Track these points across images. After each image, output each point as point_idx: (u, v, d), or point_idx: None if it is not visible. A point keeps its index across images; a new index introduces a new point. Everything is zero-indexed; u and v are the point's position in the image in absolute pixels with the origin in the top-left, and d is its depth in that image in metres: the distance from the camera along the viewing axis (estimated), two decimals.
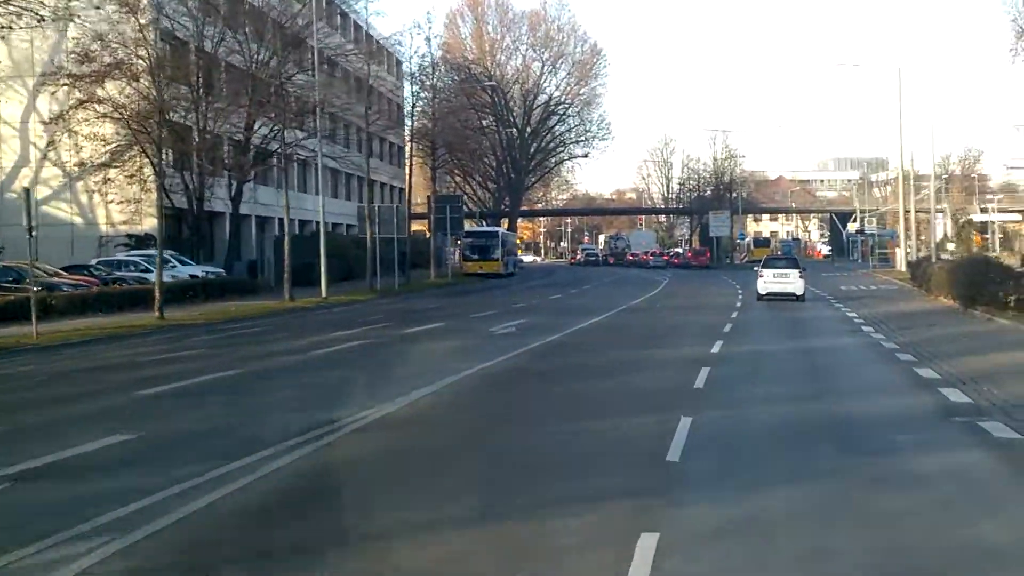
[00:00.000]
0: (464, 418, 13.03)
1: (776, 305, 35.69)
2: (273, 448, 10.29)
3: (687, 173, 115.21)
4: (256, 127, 46.74)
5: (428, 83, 69.36)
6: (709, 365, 17.42)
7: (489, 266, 64.91)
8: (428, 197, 57.57)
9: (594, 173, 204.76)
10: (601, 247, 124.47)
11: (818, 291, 44.50)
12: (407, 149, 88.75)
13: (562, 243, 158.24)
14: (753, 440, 11.26)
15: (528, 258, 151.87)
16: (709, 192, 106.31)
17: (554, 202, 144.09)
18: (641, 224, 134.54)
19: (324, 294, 39.41)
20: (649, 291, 46.52)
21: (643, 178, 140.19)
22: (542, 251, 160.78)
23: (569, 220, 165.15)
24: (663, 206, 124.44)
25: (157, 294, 29.94)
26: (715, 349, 20.35)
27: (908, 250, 64.24)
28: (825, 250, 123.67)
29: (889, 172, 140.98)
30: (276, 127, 42.96)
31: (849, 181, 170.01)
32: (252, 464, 9.61)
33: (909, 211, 71.64)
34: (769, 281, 36.68)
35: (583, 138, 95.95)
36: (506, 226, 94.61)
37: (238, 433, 11.68)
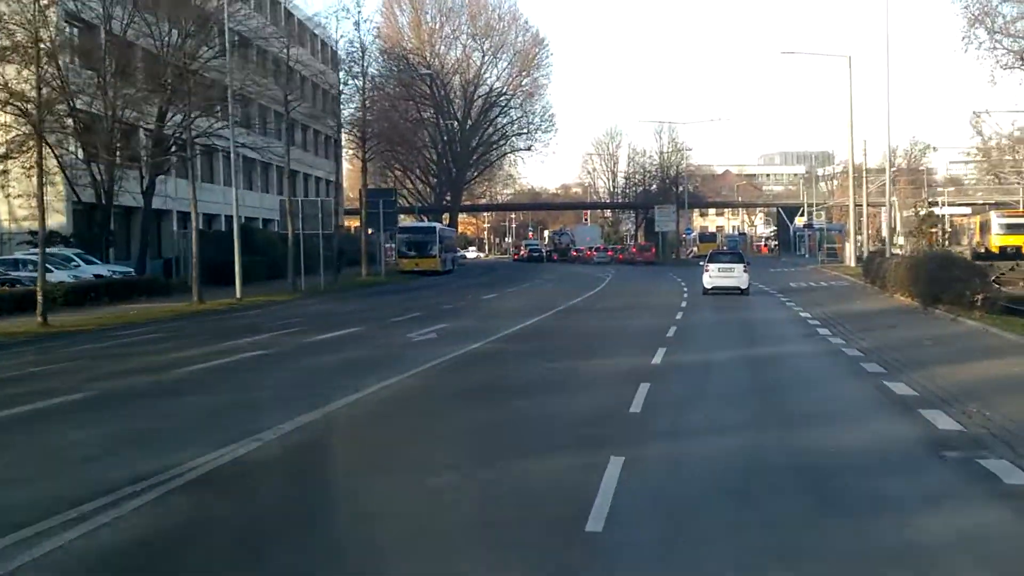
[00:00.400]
0: (320, 469, 9.98)
1: (724, 304, 33.47)
2: (42, 524, 7.51)
3: (633, 167, 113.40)
4: (169, 115, 43.60)
5: (357, 69, 66.39)
6: (649, 381, 14.89)
7: (426, 263, 62.20)
8: (360, 191, 54.66)
9: (540, 167, 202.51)
10: (545, 243, 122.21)
11: (767, 288, 42.34)
12: (343, 141, 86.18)
13: (507, 239, 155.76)
14: (701, 492, 8.65)
15: (472, 254, 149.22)
16: (655, 187, 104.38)
17: (499, 197, 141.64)
18: (587, 219, 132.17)
19: (239, 295, 36.49)
20: (590, 289, 44.10)
21: (589, 172, 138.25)
22: (486, 247, 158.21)
23: (514, 215, 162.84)
24: (608, 201, 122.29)
25: (39, 297, 26.88)
26: (657, 360, 17.84)
27: (859, 244, 62.45)
28: (771, 245, 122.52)
29: (835, 166, 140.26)
30: (190, 115, 39.97)
31: (795, 175, 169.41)
32: None
33: (860, 204, 70.11)
34: (715, 275, 37.04)
35: (525, 131, 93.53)
36: (447, 222, 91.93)
37: (13, 495, 8.84)
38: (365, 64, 59.57)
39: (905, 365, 16.47)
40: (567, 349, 20.51)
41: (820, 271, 59.71)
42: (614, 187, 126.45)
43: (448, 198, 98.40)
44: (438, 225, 65.90)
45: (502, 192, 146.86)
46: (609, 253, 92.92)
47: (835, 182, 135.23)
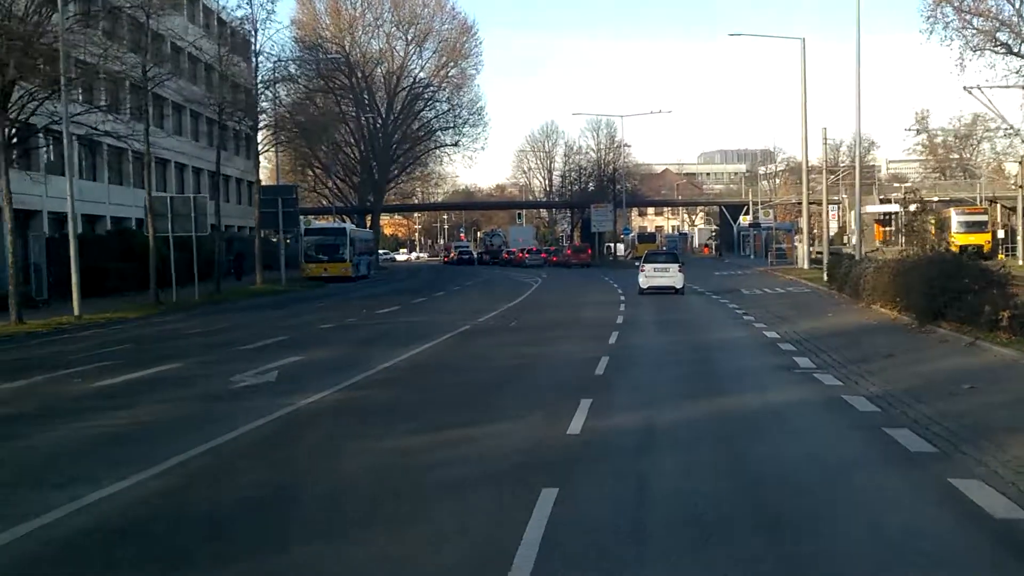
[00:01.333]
0: None
1: (669, 316, 27.62)
2: None
3: (569, 165, 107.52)
4: (15, 96, 36.57)
5: (253, 49, 59.59)
6: (565, 470, 8.74)
7: (335, 268, 55.63)
8: (251, 186, 47.93)
9: (475, 167, 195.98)
10: (477, 244, 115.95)
11: (717, 296, 36.51)
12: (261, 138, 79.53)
13: (440, 240, 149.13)
14: None
15: (402, 257, 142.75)
16: (592, 186, 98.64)
17: (432, 197, 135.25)
18: (521, 219, 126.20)
19: (77, 311, 29.64)
20: (513, 298, 37.93)
21: (524, 172, 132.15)
22: (418, 249, 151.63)
23: (446, 216, 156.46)
24: (544, 200, 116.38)
25: None
26: (577, 425, 11.53)
27: (812, 245, 56.97)
28: (713, 245, 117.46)
29: (777, 164, 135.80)
30: (41, 95, 33.26)
31: (736, 174, 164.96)
32: None
33: (819, 202, 64.74)
34: (650, 275, 37.41)
35: (452, 125, 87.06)
36: (369, 223, 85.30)
37: None
38: (257, 45, 52.65)
39: (962, 437, 10.42)
40: (454, 397, 14.10)
41: (772, 274, 54.07)
42: (550, 186, 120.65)
43: (371, 198, 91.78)
44: (348, 226, 59.19)
45: (434, 192, 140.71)
46: (543, 255, 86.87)
47: (777, 180, 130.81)
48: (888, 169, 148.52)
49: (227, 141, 78.53)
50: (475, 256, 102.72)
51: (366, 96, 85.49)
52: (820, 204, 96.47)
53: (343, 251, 56.10)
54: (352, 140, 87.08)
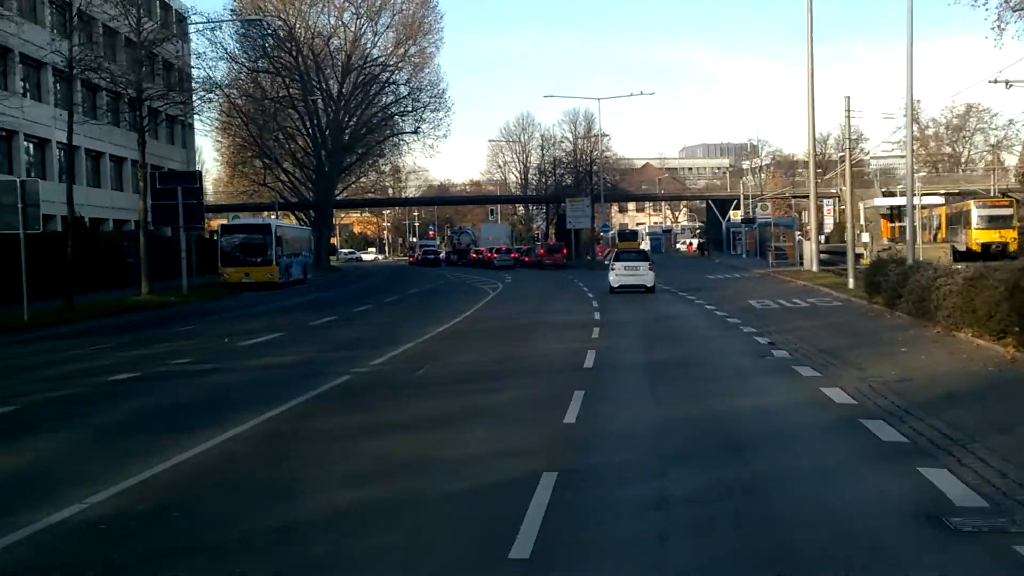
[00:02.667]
0: None
1: (668, 359, 18.04)
2: None
3: (546, 157, 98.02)
4: None
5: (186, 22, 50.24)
6: None
7: (259, 273, 46.08)
8: (143, 173, 38.40)
9: (437, 156, 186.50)
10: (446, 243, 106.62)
11: (724, 313, 27.16)
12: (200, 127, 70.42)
13: (411, 238, 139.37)
14: None
15: (370, 256, 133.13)
16: (571, 179, 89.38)
17: (404, 192, 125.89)
18: (494, 215, 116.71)
19: None
20: (454, 315, 28.60)
21: (500, 166, 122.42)
22: (386, 248, 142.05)
23: (417, 213, 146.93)
24: (517, 195, 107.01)
25: None
26: None
27: (857, 244, 47.79)
28: (698, 243, 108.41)
29: (763, 158, 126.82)
30: None
31: (719, 168, 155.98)
32: None
33: (839, 191, 55.67)
34: (621, 274, 36.70)
35: (412, 109, 77.45)
36: (318, 220, 75.67)
37: None
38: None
39: None
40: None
41: (777, 279, 44.79)
42: (526, 181, 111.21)
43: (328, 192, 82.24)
44: (275, 222, 49.53)
45: (405, 187, 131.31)
46: (513, 255, 77.43)
47: (763, 175, 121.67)
48: (874, 164, 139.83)
49: (156, 128, 69.63)
50: (442, 256, 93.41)
51: (314, 78, 75.82)
52: (815, 198, 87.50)
53: (268, 252, 46.56)
54: (302, 128, 77.45)
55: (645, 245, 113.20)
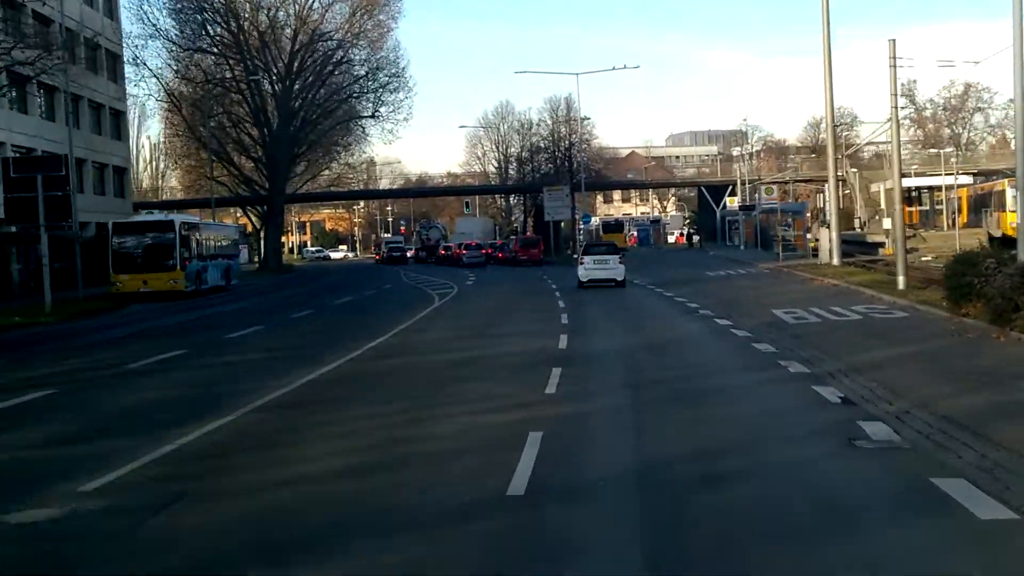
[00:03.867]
0: None
1: (681, 456, 9.19)
2: None
3: (524, 144, 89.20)
4: None
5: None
6: None
7: (159, 281, 37.37)
8: (123, 174, 29.60)
9: (427, 153, 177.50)
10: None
11: (747, 333, 18.55)
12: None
13: (385, 234, 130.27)
14: None
15: (339, 255, 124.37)
16: (552, 167, 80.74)
17: (378, 186, 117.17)
18: (469, 208, 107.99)
19: None
20: (379, 333, 20.48)
21: (478, 157, 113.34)
22: (356, 246, 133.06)
23: (390, 207, 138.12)
24: (494, 185, 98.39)
25: None
26: None
27: (874, 231, 39.27)
28: (688, 233, 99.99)
29: (753, 144, 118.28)
30: None
31: (707, 156, 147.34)
32: None
33: (845, 173, 47.61)
34: (590, 268, 34.84)
35: (368, 91, 68.54)
36: (266, 215, 66.80)
37: None
38: None
39: None
40: None
41: (795, 276, 36.18)
42: (506, 172, 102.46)
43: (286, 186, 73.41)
44: (181, 217, 40.50)
45: (378, 179, 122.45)
46: (484, 251, 68.77)
47: (754, 161, 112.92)
48: (866, 146, 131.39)
49: (81, 116, 61.10)
50: (411, 253, 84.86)
51: (258, 57, 66.88)
52: (808, 182, 78.73)
53: (172, 255, 37.79)
54: (248, 114, 68.55)
55: (631, 238, 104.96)
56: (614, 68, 62.89)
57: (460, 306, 29.27)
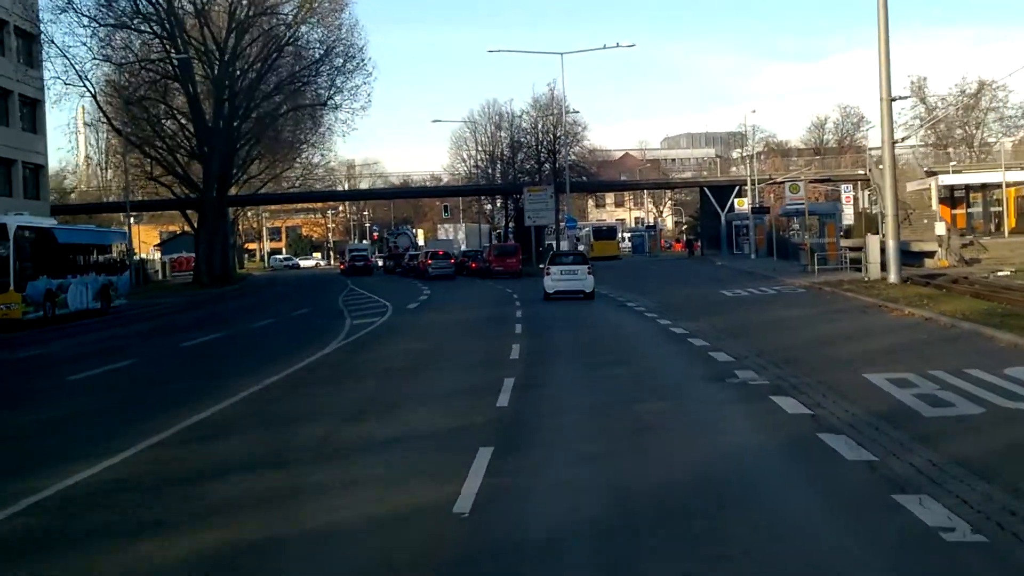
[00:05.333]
0: None
1: None
2: None
3: (504, 140, 78.87)
4: None
5: None
6: None
7: None
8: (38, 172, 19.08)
9: (413, 156, 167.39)
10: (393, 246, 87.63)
11: (952, 514, 8.15)
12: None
13: (363, 241, 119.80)
14: None
15: (310, 263, 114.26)
16: (534, 166, 70.70)
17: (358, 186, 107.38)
18: (448, 212, 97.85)
19: None
20: (228, 392, 10.30)
21: (464, 159, 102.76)
22: (329, 253, 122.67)
23: (367, 212, 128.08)
24: (463, 186, 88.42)
25: None
26: None
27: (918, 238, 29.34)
28: (687, 240, 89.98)
29: (754, 144, 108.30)
30: None
31: (704, 159, 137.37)
32: None
33: (868, 172, 37.73)
34: (557, 279, 32.34)
35: (319, 74, 58.34)
36: (201, 218, 56.71)
37: None
38: None
39: None
40: None
41: (849, 300, 26.02)
42: (493, 174, 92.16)
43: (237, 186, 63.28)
44: (17, 220, 29.15)
45: (357, 181, 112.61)
46: (452, 261, 58.70)
47: (756, 164, 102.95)
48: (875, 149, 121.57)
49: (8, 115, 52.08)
50: (377, 262, 74.87)
51: (196, 38, 56.74)
52: (821, 183, 68.64)
53: (5, 271, 27.67)
54: (181, 104, 58.43)
55: (626, 245, 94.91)
56: (604, 47, 52.99)
57: (368, 350, 19.15)
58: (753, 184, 61.90)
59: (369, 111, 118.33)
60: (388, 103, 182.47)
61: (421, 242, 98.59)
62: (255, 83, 57.37)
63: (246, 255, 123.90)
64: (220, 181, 59.65)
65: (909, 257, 43.24)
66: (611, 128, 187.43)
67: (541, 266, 40.03)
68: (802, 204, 39.56)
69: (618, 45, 51.68)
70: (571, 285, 31.82)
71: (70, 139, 51.44)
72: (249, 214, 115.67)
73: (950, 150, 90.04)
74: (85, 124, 55.25)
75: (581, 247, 59.38)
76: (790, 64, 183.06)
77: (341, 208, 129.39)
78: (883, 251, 31.31)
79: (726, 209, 67.25)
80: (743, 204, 63.36)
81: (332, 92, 57.82)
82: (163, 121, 58.74)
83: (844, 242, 39.59)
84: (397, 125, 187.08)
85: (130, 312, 34.94)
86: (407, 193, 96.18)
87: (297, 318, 29.06)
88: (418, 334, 21.87)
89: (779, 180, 63.40)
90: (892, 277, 29.19)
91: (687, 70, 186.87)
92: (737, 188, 68.64)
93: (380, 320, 25.73)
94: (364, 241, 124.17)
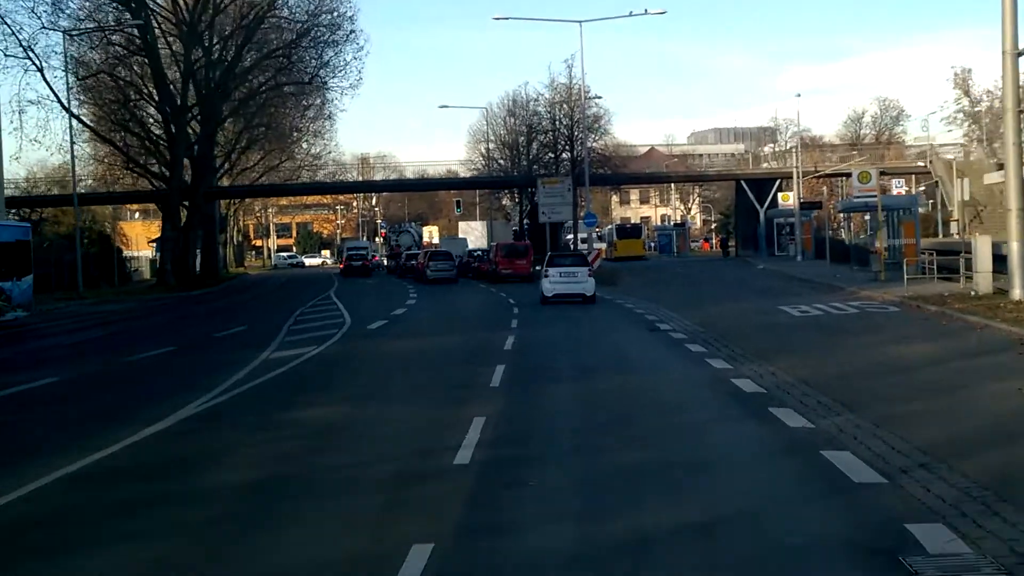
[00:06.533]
0: None
1: None
2: None
3: (520, 128, 70.88)
4: None
5: None
6: None
7: None
8: None
9: (424, 150, 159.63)
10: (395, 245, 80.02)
11: None
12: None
13: (363, 238, 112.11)
14: None
15: (316, 261, 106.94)
16: (550, 157, 62.70)
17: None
18: (460, 208, 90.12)
19: None
20: None
21: (482, 153, 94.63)
22: (338, 252, 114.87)
23: (379, 208, 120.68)
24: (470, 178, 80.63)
25: None
26: None
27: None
28: (720, 240, 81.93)
29: (787, 138, 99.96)
30: None
31: (733, 155, 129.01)
32: None
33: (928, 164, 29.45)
34: (556, 281, 30.13)
35: (302, 48, 50.50)
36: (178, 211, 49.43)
37: None
38: None
39: None
40: None
41: (981, 327, 18.02)
42: (513, 168, 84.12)
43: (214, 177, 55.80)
44: None
45: (371, 175, 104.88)
46: (457, 261, 50.97)
47: (787, 159, 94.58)
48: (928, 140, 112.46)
49: None
50: (382, 261, 67.52)
51: (163, 4, 49.22)
52: (830, 177, 60.52)
53: None
54: (148, 83, 50.85)
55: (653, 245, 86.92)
56: (631, 14, 44.73)
57: (227, 428, 11.34)
58: (799, 177, 53.67)
59: (360, 90, 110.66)
60: (397, 96, 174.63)
61: (436, 240, 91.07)
62: (234, 59, 49.72)
63: (252, 252, 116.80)
64: (197, 170, 52.17)
65: (999, 262, 35.37)
66: (632, 126, 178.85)
67: (538, 268, 34.37)
68: (873, 196, 31.55)
69: (646, 12, 43.64)
70: (570, 288, 29.49)
71: (12, 120, 43.39)
72: (257, 210, 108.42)
73: (996, 144, 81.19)
74: (31, 102, 47.60)
75: (595, 246, 51.39)
76: (812, 65, 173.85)
77: (354, 203, 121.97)
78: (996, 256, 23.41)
79: (765, 205, 59.09)
80: (788, 199, 55.20)
81: (318, 69, 50.09)
82: (130, 103, 51.22)
83: (925, 242, 31.55)
84: (409, 118, 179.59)
85: (30, 327, 27.41)
86: (410, 186, 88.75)
87: (211, 343, 21.30)
88: (342, 387, 14.03)
89: (831, 172, 55.46)
90: (1017, 292, 21.22)
91: (709, 70, 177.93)
92: (778, 182, 60.45)
93: (311, 352, 17.96)
94: (364, 238, 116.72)
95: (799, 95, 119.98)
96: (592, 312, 26.45)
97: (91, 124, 47.50)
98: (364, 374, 15.39)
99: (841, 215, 56.56)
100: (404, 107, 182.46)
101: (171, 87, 47.31)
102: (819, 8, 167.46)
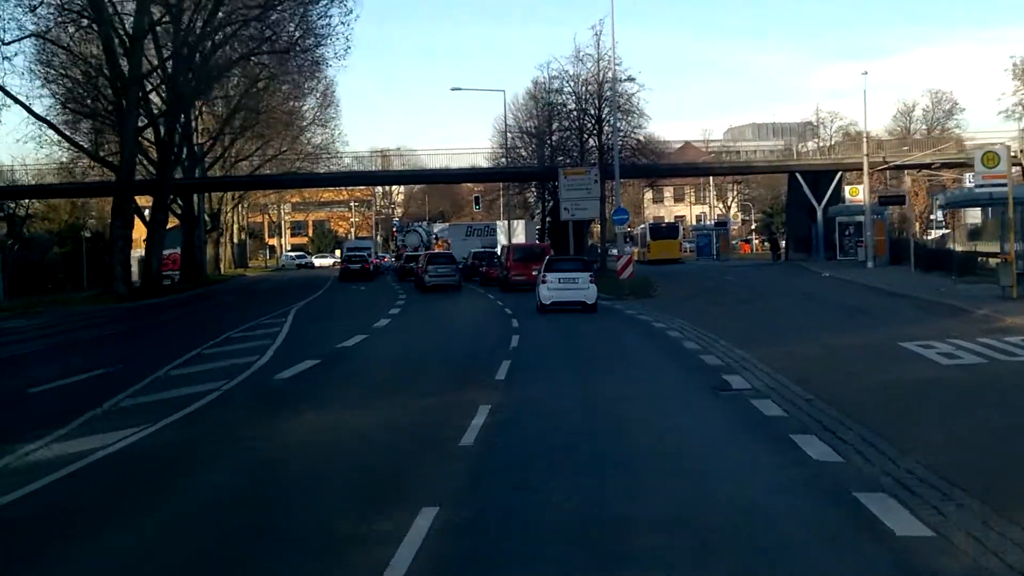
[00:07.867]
0: None
1: None
2: None
3: (541, 114, 62.63)
4: None
5: None
6: None
7: None
8: None
9: (453, 143, 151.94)
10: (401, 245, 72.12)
11: None
12: None
13: (366, 237, 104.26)
14: None
15: (327, 261, 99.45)
16: (575, 145, 54.35)
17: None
18: (479, 205, 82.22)
19: None
20: None
21: (501, 144, 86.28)
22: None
23: (395, 207, 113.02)
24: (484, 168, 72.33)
25: None
26: None
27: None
28: (773, 242, 73.36)
29: (832, 133, 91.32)
30: None
31: (772, 151, 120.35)
32: None
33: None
34: (554, 288, 28.11)
35: (277, 10, 42.23)
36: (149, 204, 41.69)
37: None
38: None
39: None
40: None
41: None
42: (538, 159, 75.82)
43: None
44: None
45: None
46: (459, 267, 42.92)
47: (830, 155, 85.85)
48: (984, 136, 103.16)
49: None
50: (382, 263, 59.83)
51: None
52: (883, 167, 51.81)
53: None
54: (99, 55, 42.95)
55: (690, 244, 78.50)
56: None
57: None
58: (870, 168, 44.89)
59: (347, 60, 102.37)
60: (411, 89, 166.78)
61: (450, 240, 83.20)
62: (202, 26, 41.73)
63: (265, 251, 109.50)
64: (162, 157, 44.38)
65: None
66: (664, 124, 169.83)
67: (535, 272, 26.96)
68: (1003, 185, 22.96)
69: None
70: (570, 295, 27.67)
71: None
72: (266, 205, 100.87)
73: None
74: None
75: (625, 250, 42.94)
76: (849, 64, 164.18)
77: (371, 199, 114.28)
78: None
79: (824, 201, 50.44)
80: (856, 193, 46.50)
81: (299, 38, 41.95)
82: (91, 80, 43.48)
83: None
84: (424, 106, 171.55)
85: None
86: (411, 178, 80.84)
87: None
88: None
89: (912, 164, 46.42)
90: None
91: (744, 66, 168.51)
92: (840, 174, 51.73)
93: (115, 445, 9.85)
94: (379, 238, 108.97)
95: (865, 72, 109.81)
96: (625, 342, 18.50)
97: (23, 102, 39.55)
98: (137, 532, 7.18)
99: (940, 212, 47.92)
100: (420, 95, 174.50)
101: (121, 55, 39.42)
102: (857, 5, 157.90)
